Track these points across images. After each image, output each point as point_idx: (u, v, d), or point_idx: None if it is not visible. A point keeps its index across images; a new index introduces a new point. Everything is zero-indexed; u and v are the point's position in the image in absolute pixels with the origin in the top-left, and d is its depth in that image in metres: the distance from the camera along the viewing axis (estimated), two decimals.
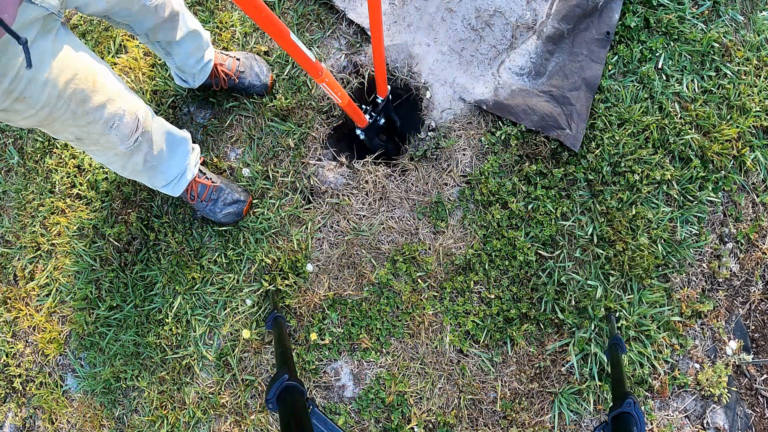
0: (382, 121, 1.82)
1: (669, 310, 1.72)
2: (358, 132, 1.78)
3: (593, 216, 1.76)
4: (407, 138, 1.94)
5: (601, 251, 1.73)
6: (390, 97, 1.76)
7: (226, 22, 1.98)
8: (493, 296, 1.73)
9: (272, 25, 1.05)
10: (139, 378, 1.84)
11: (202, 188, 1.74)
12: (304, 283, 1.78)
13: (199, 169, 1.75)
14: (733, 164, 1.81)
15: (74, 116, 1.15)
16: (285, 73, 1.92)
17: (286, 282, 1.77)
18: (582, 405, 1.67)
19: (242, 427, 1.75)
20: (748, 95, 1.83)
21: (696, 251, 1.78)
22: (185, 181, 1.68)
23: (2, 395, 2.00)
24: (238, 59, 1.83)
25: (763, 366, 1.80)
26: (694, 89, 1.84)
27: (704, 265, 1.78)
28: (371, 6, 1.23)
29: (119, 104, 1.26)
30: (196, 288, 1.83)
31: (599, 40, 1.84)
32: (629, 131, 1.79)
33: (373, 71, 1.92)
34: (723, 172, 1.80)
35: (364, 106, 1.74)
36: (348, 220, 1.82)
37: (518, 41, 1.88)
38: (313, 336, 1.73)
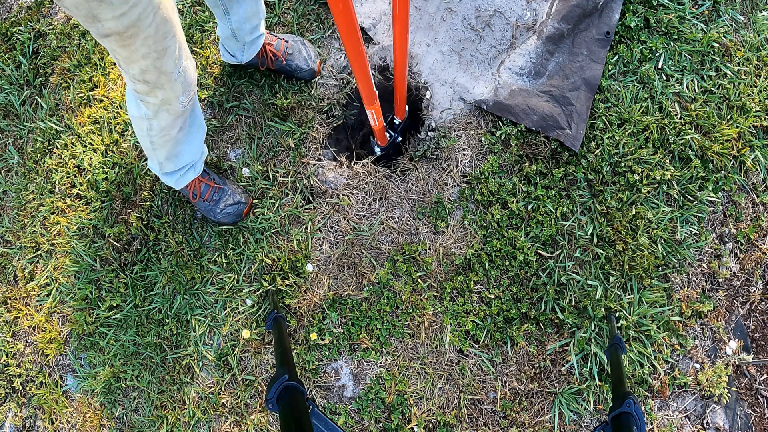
0: (399, 139, 1.88)
1: (669, 310, 1.72)
2: (377, 149, 1.87)
3: (593, 216, 1.76)
4: (408, 139, 1.95)
5: (601, 251, 1.73)
6: (407, 118, 1.81)
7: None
8: (493, 296, 1.73)
9: (359, 53, 1.09)
10: (139, 378, 1.84)
11: (205, 188, 1.74)
12: (304, 283, 1.78)
13: (204, 169, 1.75)
14: (733, 164, 1.81)
15: (156, 33, 1.09)
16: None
17: (286, 282, 1.77)
18: (582, 405, 1.67)
19: (242, 427, 1.75)
20: (748, 95, 1.83)
21: (696, 251, 1.78)
22: (191, 175, 1.68)
23: (2, 395, 2.00)
24: (287, 41, 1.83)
25: (763, 366, 1.80)
26: (694, 89, 1.84)
27: (704, 265, 1.78)
28: (397, 34, 1.21)
29: (185, 46, 1.22)
30: (196, 288, 1.83)
31: (599, 40, 1.84)
32: (629, 131, 1.79)
33: (373, 72, 1.92)
34: (723, 172, 1.80)
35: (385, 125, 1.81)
36: (348, 220, 1.82)
37: (518, 41, 1.88)
38: (313, 336, 1.73)
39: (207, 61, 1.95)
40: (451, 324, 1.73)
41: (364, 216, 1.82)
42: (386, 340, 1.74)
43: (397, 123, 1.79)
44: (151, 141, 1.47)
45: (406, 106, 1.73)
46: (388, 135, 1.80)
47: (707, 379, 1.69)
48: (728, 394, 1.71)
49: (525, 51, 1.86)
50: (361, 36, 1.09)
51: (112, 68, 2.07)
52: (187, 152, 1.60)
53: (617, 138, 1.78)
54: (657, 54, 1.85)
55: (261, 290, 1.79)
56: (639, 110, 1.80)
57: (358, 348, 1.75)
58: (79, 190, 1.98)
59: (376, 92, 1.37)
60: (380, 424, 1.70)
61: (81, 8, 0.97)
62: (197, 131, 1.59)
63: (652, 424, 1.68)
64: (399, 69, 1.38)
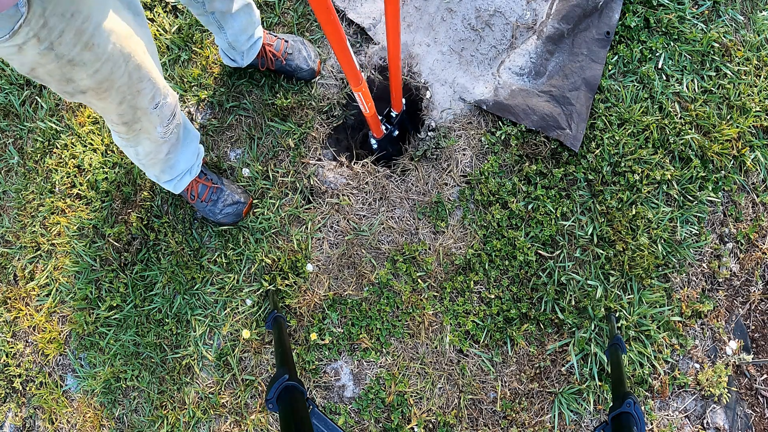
0: (396, 132, 1.86)
1: (669, 310, 1.72)
2: (372, 141, 1.84)
3: (593, 216, 1.76)
4: (408, 139, 1.95)
5: (601, 251, 1.73)
6: (404, 111, 1.80)
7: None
8: (493, 296, 1.73)
9: (335, 29, 1.08)
10: (139, 378, 1.84)
11: (202, 188, 1.74)
12: (304, 283, 1.78)
13: (201, 170, 1.75)
14: (733, 164, 1.81)
15: (130, 80, 1.11)
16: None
17: (286, 282, 1.77)
18: (582, 405, 1.67)
19: (242, 427, 1.75)
20: (748, 95, 1.83)
21: (696, 251, 1.78)
22: (188, 178, 1.68)
23: (2, 395, 2.00)
24: (286, 41, 1.83)
25: (763, 366, 1.80)
26: (694, 89, 1.84)
27: (704, 265, 1.78)
28: (389, 19, 1.22)
29: (160, 83, 1.24)
30: (196, 288, 1.83)
31: (599, 40, 1.84)
32: (629, 131, 1.79)
33: (373, 72, 1.92)
34: (723, 172, 1.80)
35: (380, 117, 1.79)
36: (348, 220, 1.82)
37: (518, 41, 1.88)
38: (313, 336, 1.73)
39: (207, 61, 1.95)
40: (451, 324, 1.73)
41: (364, 216, 1.82)
42: (386, 340, 1.74)
43: (394, 115, 1.78)
44: (141, 163, 1.51)
45: (403, 99, 1.72)
46: (384, 128, 1.78)
47: (707, 379, 1.69)
48: (728, 394, 1.71)
49: (525, 51, 1.86)
50: (335, 11, 1.08)
51: None
52: (183, 162, 1.61)
53: (617, 138, 1.78)
54: (657, 54, 1.85)
55: (261, 290, 1.79)
56: (639, 110, 1.80)
57: (358, 348, 1.75)
58: (79, 190, 1.98)
59: (361, 72, 1.33)
60: (380, 424, 1.70)
61: (55, 74, 0.99)
62: (189, 143, 1.60)
63: (652, 424, 1.68)
64: (393, 51, 1.35)
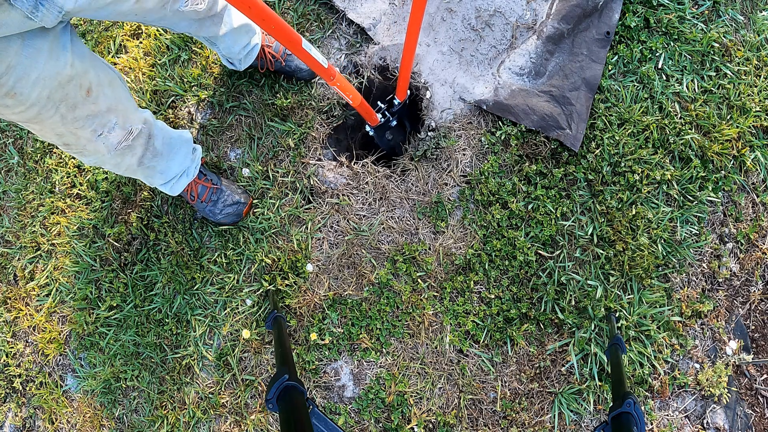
0: (395, 122, 1.82)
1: (669, 310, 1.72)
2: (368, 129, 1.79)
3: (593, 216, 1.76)
4: (409, 138, 1.94)
5: (601, 251, 1.73)
6: (407, 101, 1.77)
7: None
8: (493, 296, 1.73)
9: (283, 33, 1.05)
10: (139, 378, 1.84)
11: (202, 189, 1.74)
12: (304, 283, 1.78)
13: (200, 170, 1.75)
14: (733, 164, 1.81)
15: (63, 120, 1.13)
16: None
17: (286, 282, 1.77)
18: (582, 405, 1.67)
19: (242, 427, 1.75)
20: (748, 95, 1.83)
21: (696, 251, 1.78)
22: (185, 181, 1.68)
23: (2, 395, 2.00)
24: None
25: (763, 366, 1.80)
26: (694, 89, 1.84)
27: (704, 265, 1.78)
28: (415, 3, 1.20)
29: (112, 117, 1.24)
30: (196, 288, 1.83)
31: (599, 40, 1.84)
32: (629, 131, 1.79)
33: (373, 72, 1.92)
34: (723, 172, 1.80)
35: (379, 104, 1.76)
36: (348, 220, 1.82)
37: (518, 41, 1.88)
38: (313, 336, 1.73)
39: (207, 61, 1.95)
40: (451, 324, 1.73)
41: (364, 216, 1.82)
42: (386, 340, 1.74)
43: (397, 103, 1.75)
44: (122, 171, 1.48)
45: (408, 89, 1.68)
46: (380, 115, 1.73)
47: (707, 379, 1.69)
48: (728, 394, 1.71)
49: (525, 51, 1.86)
50: None
51: None
52: (174, 166, 1.60)
53: (617, 138, 1.78)
54: (657, 54, 1.85)
55: (261, 290, 1.79)
56: (639, 110, 1.80)
57: (358, 348, 1.75)
58: (79, 190, 1.98)
59: (324, 62, 1.27)
60: (380, 424, 1.70)
61: None
62: (176, 150, 1.57)
63: (652, 424, 1.68)
64: (410, 38, 1.33)
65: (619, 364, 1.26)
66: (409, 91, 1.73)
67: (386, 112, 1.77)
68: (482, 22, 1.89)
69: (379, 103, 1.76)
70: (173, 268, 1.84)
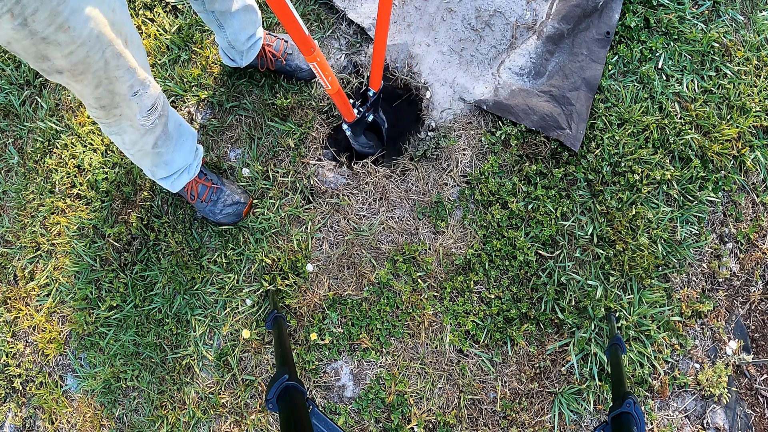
0: (371, 117, 1.70)
1: (669, 310, 1.72)
2: (345, 127, 1.68)
3: (593, 216, 1.76)
4: (407, 138, 1.94)
5: (601, 251, 1.73)
6: (381, 94, 1.64)
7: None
8: (493, 296, 1.73)
9: None
10: (139, 378, 1.84)
11: (202, 189, 1.74)
12: (304, 283, 1.78)
13: (201, 170, 1.75)
14: (733, 164, 1.81)
15: (106, 66, 1.12)
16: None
17: (286, 282, 1.77)
18: (582, 405, 1.67)
19: (242, 427, 1.75)
20: (748, 95, 1.83)
21: (696, 251, 1.78)
22: (186, 178, 1.68)
23: (2, 395, 2.00)
24: (286, 41, 1.83)
25: (763, 366, 1.80)
26: (694, 89, 1.84)
27: (704, 265, 1.78)
28: None
29: (145, 74, 1.25)
30: (196, 288, 1.83)
31: (599, 40, 1.84)
32: (629, 131, 1.79)
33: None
34: (723, 172, 1.80)
35: (352, 100, 1.63)
36: (348, 220, 1.82)
37: (518, 41, 1.88)
38: (313, 336, 1.73)
39: (207, 61, 1.95)
40: (451, 324, 1.73)
41: (364, 216, 1.82)
42: (386, 340, 1.74)
43: (372, 94, 1.61)
44: (130, 154, 1.49)
45: (382, 79, 1.57)
46: (356, 111, 1.61)
47: (707, 379, 1.69)
48: (728, 394, 1.71)
49: (525, 51, 1.86)
50: None
51: None
52: (178, 159, 1.61)
53: (617, 138, 1.78)
54: (657, 54, 1.85)
55: (261, 290, 1.79)
56: (639, 110, 1.80)
57: (358, 348, 1.75)
58: (79, 190, 1.98)
59: (305, 29, 1.21)
60: (380, 424, 1.70)
61: (30, 51, 1.00)
62: (185, 141, 1.59)
63: (652, 424, 1.68)
64: (380, 24, 1.29)
65: (619, 364, 1.27)
66: (383, 82, 1.61)
67: (360, 108, 1.63)
68: (482, 22, 1.89)
69: (351, 99, 1.64)
70: (173, 268, 1.84)
